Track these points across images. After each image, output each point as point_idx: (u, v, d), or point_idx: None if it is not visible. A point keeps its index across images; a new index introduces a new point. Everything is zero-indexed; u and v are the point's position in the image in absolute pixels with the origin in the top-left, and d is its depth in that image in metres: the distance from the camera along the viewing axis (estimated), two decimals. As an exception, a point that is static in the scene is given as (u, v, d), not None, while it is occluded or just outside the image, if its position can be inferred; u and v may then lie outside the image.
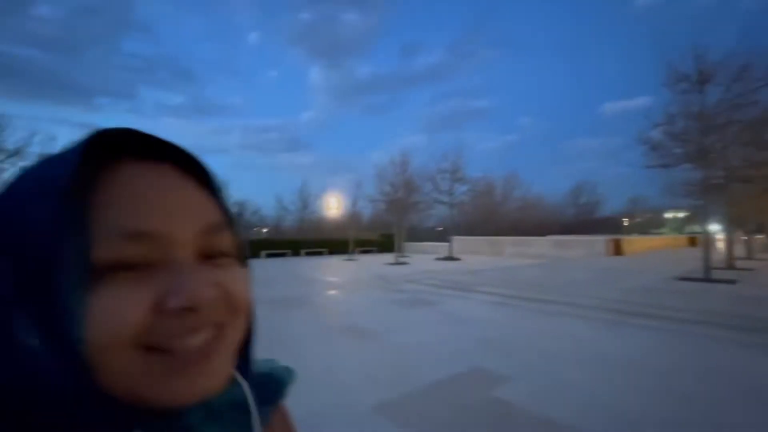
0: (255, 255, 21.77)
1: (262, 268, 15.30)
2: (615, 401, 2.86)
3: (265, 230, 40.29)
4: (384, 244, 27.54)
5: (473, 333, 4.92)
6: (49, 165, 0.24)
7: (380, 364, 3.83)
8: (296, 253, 23.98)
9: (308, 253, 24.54)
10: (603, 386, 3.14)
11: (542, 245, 20.98)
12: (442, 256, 20.55)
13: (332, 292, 9.02)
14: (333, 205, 26.52)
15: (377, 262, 17.94)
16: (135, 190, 0.25)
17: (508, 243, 22.70)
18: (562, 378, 3.33)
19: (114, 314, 0.22)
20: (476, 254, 22.57)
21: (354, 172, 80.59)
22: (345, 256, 22.38)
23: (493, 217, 38.43)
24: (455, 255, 20.24)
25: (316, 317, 6.08)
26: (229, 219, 0.29)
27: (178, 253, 0.25)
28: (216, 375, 0.26)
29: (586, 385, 3.18)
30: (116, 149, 0.25)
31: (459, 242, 23.56)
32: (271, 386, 0.37)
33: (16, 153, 23.44)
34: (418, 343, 4.48)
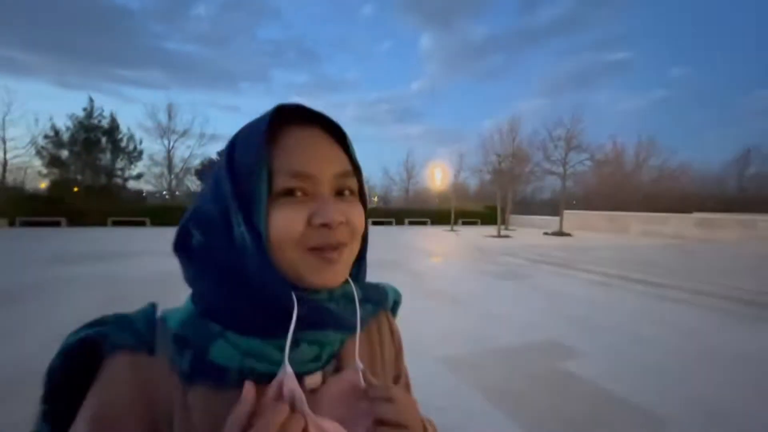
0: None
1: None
2: (702, 393, 2.66)
3: (375, 199, 42.48)
4: (488, 216, 26.74)
5: (561, 309, 4.81)
6: (252, 126, 0.36)
7: (457, 325, 4.12)
8: (400, 222, 25.09)
9: (411, 223, 25.45)
10: (693, 376, 2.91)
11: (681, 224, 17.77)
12: (551, 230, 19.16)
13: (427, 259, 9.46)
14: (436, 176, 26.56)
15: (478, 234, 17.73)
16: (298, 144, 0.36)
17: (635, 219, 19.81)
18: (645, 362, 3.16)
19: (285, 223, 0.34)
20: (593, 230, 20.37)
21: (462, 142, 78.18)
22: (446, 227, 22.59)
23: (623, 190, 33.41)
24: (566, 230, 18.67)
25: (408, 279, 6.58)
26: (356, 168, 0.41)
27: (322, 188, 0.36)
28: (338, 274, 0.37)
29: (673, 372, 2.98)
30: (287, 116, 0.37)
31: (573, 217, 21.53)
32: (378, 293, 0.51)
33: (183, 133, 29.59)
34: (500, 312, 4.61)
